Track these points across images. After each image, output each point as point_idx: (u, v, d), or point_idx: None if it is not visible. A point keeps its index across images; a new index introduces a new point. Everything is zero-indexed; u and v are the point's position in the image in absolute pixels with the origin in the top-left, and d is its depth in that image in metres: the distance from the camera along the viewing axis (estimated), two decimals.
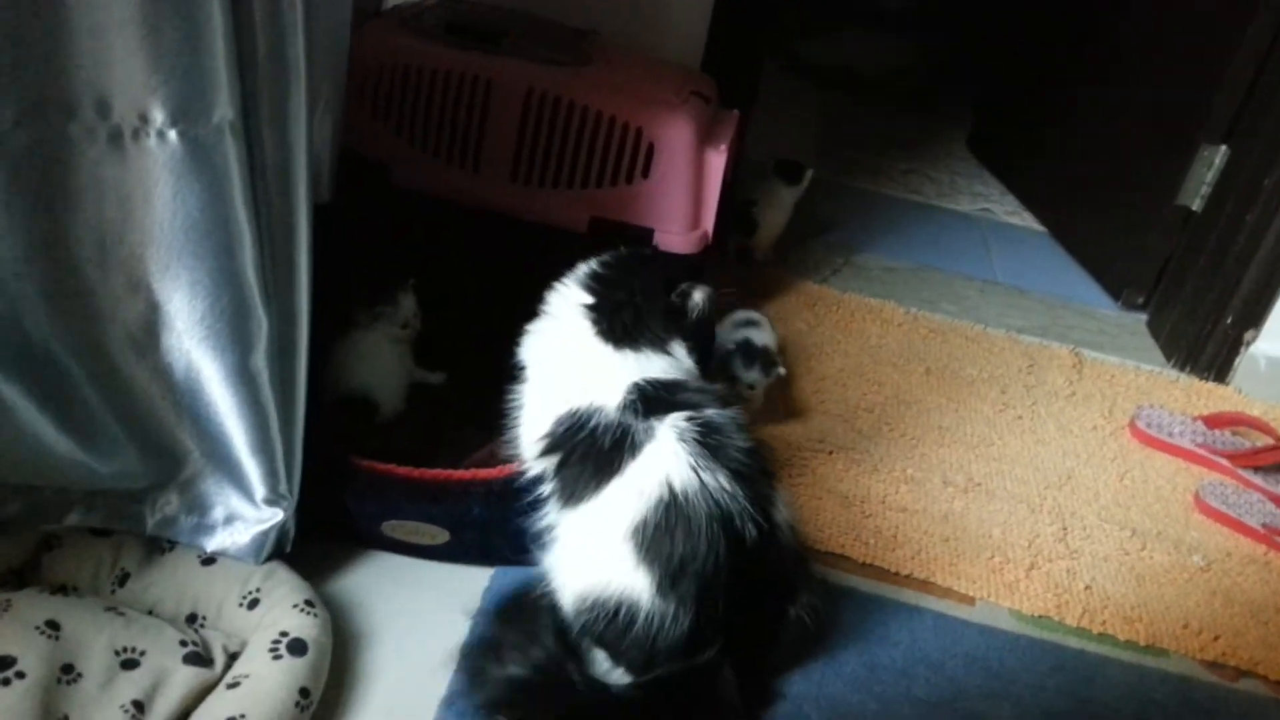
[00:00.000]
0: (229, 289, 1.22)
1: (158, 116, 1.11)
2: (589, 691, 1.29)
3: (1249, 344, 2.38)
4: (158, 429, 1.31)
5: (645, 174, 1.90)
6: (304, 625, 1.31)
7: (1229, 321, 2.39)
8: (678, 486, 1.25)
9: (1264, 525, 1.92)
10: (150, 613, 1.34)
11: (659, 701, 1.31)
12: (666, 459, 1.27)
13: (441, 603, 1.47)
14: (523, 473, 1.42)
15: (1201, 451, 2.11)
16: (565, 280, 1.45)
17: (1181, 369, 2.48)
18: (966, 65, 3.86)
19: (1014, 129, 3.40)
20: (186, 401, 1.29)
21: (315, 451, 1.40)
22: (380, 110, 1.93)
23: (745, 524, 1.27)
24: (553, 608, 1.35)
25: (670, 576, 1.25)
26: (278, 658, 1.26)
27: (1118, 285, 2.75)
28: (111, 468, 1.30)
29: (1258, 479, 2.04)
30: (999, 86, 3.52)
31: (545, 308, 1.45)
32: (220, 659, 1.28)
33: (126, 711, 1.17)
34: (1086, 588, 1.73)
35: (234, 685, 1.23)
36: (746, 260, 2.57)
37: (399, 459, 1.48)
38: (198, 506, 1.38)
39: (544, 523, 1.38)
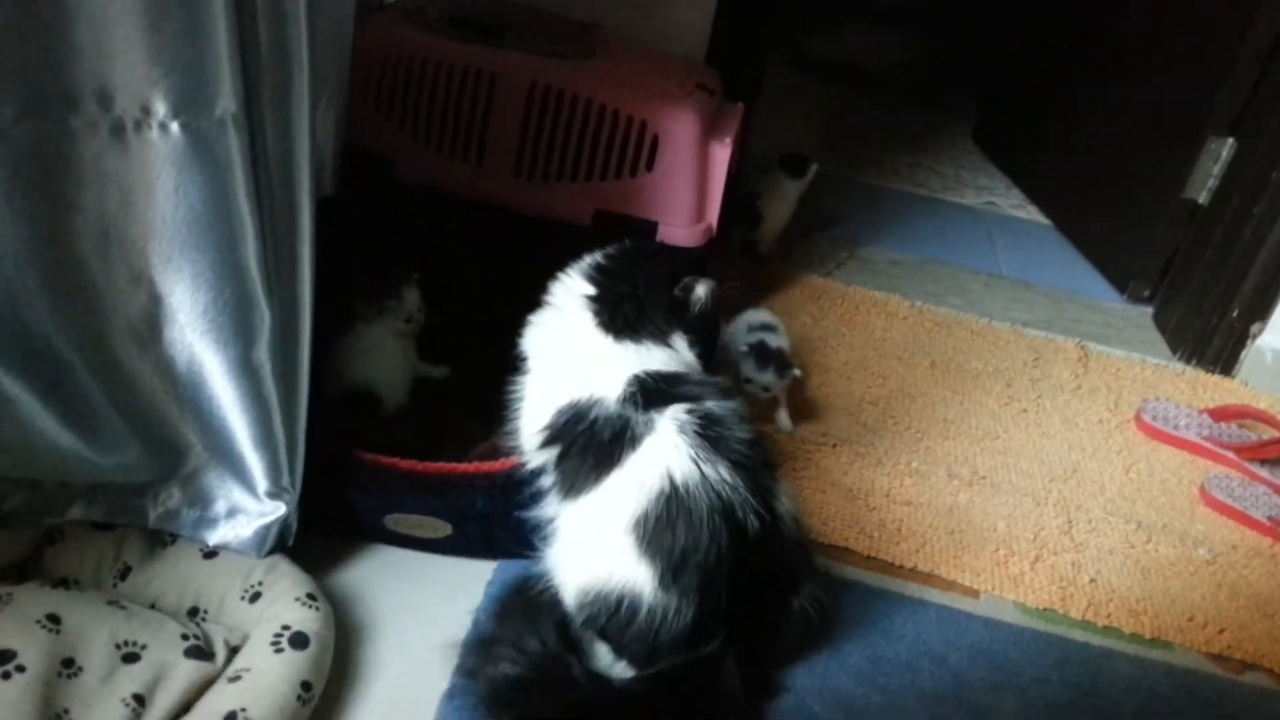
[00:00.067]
0: (231, 282, 1.22)
1: (160, 108, 1.11)
2: (591, 686, 1.29)
3: (1255, 337, 2.37)
4: (160, 422, 1.31)
5: (649, 167, 1.90)
6: (306, 619, 1.31)
7: (1235, 314, 2.38)
8: (678, 478, 1.25)
9: (1270, 518, 1.91)
10: (152, 606, 1.34)
11: (662, 694, 1.31)
12: (667, 451, 1.27)
13: (444, 596, 1.47)
14: (525, 466, 1.42)
15: (1207, 444, 2.11)
16: (569, 271, 1.45)
17: (1187, 362, 2.47)
18: (971, 59, 3.84)
19: (1019, 122, 3.39)
20: (189, 395, 1.29)
21: (318, 445, 1.40)
22: (384, 104, 1.93)
23: (747, 515, 1.26)
24: (552, 602, 1.35)
25: (672, 569, 1.24)
26: (279, 651, 1.26)
27: (1123, 278, 2.74)
28: (113, 461, 1.30)
29: (1264, 472, 2.03)
30: (1004, 80, 3.51)
31: (548, 298, 1.44)
32: (222, 652, 1.27)
33: (127, 705, 1.17)
34: (1091, 581, 1.73)
35: (235, 679, 1.23)
36: (751, 254, 2.56)
37: (402, 453, 1.48)
38: (200, 500, 1.38)
39: (545, 516, 1.38)
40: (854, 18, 4.05)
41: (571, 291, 1.42)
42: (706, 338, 1.45)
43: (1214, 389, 2.35)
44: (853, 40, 4.06)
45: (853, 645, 1.52)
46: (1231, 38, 2.41)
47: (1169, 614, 1.69)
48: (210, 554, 1.39)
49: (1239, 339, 2.39)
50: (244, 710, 1.18)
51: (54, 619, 1.22)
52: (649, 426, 1.29)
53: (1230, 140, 2.46)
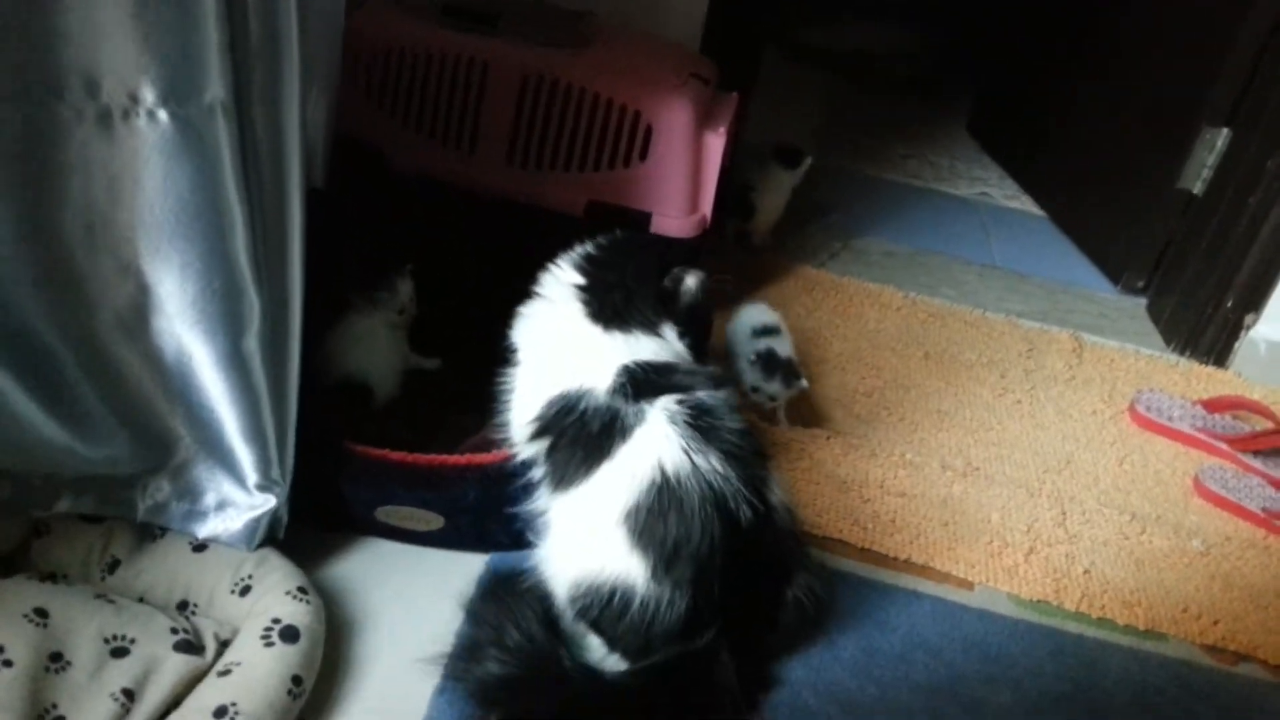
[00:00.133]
0: (220, 272, 1.21)
1: (148, 96, 1.10)
2: (583, 680, 1.29)
3: (1249, 328, 2.37)
4: (148, 414, 1.30)
5: (643, 157, 1.88)
6: (296, 612, 1.30)
7: (1229, 305, 2.38)
8: (669, 469, 1.24)
9: (1264, 509, 1.91)
10: (141, 600, 1.33)
11: (656, 687, 1.30)
12: (657, 442, 1.26)
13: (436, 589, 1.46)
14: (517, 458, 1.41)
15: (1201, 436, 2.10)
16: (559, 261, 1.44)
17: (1181, 353, 2.46)
18: (968, 51, 3.83)
19: (1014, 113, 3.38)
20: (177, 386, 1.28)
21: (309, 437, 1.39)
22: (375, 94, 1.91)
23: (739, 505, 1.26)
24: (541, 596, 1.34)
25: (665, 560, 1.24)
26: (270, 645, 1.25)
27: (1117, 269, 2.73)
28: (101, 453, 1.29)
29: (1257, 463, 2.03)
30: (1000, 71, 3.49)
31: (537, 289, 1.43)
32: (211, 646, 1.27)
33: (116, 700, 1.16)
34: (1085, 572, 1.72)
35: (225, 673, 1.22)
36: (744, 244, 2.55)
37: (394, 445, 1.47)
38: (189, 492, 1.38)
39: (536, 508, 1.37)
40: (852, 9, 4.04)
41: (561, 282, 1.41)
42: (697, 329, 1.44)
43: (1208, 380, 2.35)
44: (850, 32, 4.04)
45: (847, 638, 1.52)
46: (1227, 28, 2.40)
47: (1163, 606, 1.68)
48: (200, 547, 1.38)
49: (1233, 330, 2.38)
50: (234, 704, 1.17)
51: (41, 613, 1.21)
52: (639, 417, 1.28)
53: (1225, 130, 2.45)
